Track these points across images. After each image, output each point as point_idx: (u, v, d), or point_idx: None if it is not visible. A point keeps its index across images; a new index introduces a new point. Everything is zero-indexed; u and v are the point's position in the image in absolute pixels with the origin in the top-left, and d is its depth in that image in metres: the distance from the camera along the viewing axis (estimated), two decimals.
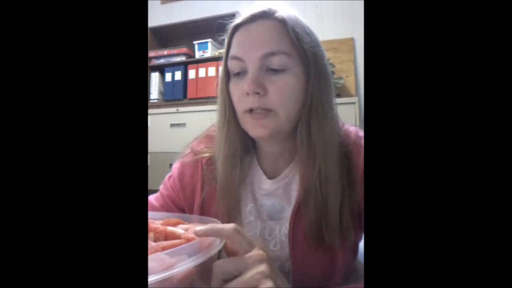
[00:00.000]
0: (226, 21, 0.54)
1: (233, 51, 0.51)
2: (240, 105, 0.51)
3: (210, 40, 2.06)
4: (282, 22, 0.50)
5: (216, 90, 0.57)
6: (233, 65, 0.51)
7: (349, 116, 1.58)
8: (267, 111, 0.49)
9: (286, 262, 0.54)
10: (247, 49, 0.50)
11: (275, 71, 0.49)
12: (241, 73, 0.51)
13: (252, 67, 0.49)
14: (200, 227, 0.36)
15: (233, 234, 0.35)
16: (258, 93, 0.48)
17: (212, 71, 1.99)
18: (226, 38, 0.54)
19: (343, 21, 2.00)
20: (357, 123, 1.60)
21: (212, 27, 2.09)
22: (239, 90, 0.50)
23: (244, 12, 0.52)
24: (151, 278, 0.27)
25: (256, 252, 0.35)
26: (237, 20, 0.52)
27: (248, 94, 0.48)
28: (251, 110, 0.49)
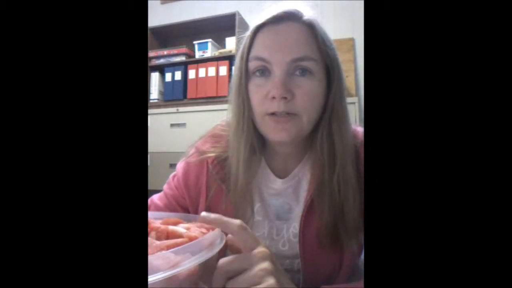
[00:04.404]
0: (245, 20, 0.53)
1: (257, 52, 0.50)
2: (262, 107, 0.50)
3: (210, 40, 2.06)
4: (310, 26, 0.49)
5: (227, 88, 0.57)
6: (256, 66, 0.50)
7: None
8: (291, 115, 0.48)
9: (295, 260, 0.55)
10: (275, 52, 0.48)
11: (302, 75, 0.48)
12: (264, 75, 0.50)
13: (279, 71, 0.48)
14: (207, 214, 0.36)
15: (239, 231, 0.36)
16: (285, 97, 0.47)
17: (212, 71, 1.98)
18: (247, 37, 0.52)
19: (343, 21, 2.00)
20: (357, 123, 1.60)
21: (212, 27, 2.11)
22: (261, 92, 0.49)
23: (266, 12, 0.50)
24: (159, 276, 0.27)
25: (259, 250, 0.35)
26: (260, 20, 0.51)
27: (274, 98, 0.47)
28: (272, 113, 0.49)
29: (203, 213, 0.36)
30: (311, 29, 0.49)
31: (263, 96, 0.49)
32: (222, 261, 0.35)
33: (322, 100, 0.51)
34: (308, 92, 0.48)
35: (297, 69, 0.48)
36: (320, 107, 0.51)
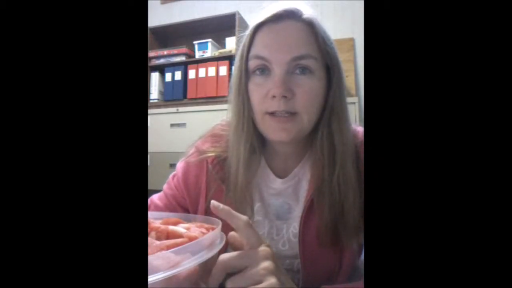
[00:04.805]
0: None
1: (257, 51, 0.50)
2: (262, 106, 0.49)
3: (210, 40, 2.06)
4: (310, 24, 0.49)
5: (227, 88, 0.56)
6: (256, 65, 0.50)
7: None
8: (291, 115, 0.48)
9: (295, 260, 0.55)
10: (275, 51, 0.48)
11: (302, 74, 0.48)
12: (264, 74, 0.49)
13: (279, 70, 0.48)
14: (217, 203, 0.37)
15: (245, 226, 0.36)
16: (285, 96, 0.47)
17: (212, 71, 1.98)
18: (247, 36, 0.52)
19: (343, 21, 2.00)
20: (357, 123, 1.59)
21: (212, 27, 2.11)
22: (261, 91, 0.49)
23: (266, 10, 0.50)
24: (159, 276, 0.27)
25: (262, 248, 0.35)
26: (260, 19, 0.50)
27: (274, 97, 0.47)
28: (272, 112, 0.48)
29: (213, 201, 0.37)
30: (311, 28, 0.49)
31: (263, 95, 0.49)
32: (224, 256, 0.35)
33: (322, 99, 0.51)
34: (308, 91, 0.48)
35: (297, 67, 0.48)
36: (320, 106, 0.51)
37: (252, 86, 0.51)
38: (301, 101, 0.48)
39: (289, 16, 0.49)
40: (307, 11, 0.50)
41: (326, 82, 0.51)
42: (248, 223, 0.36)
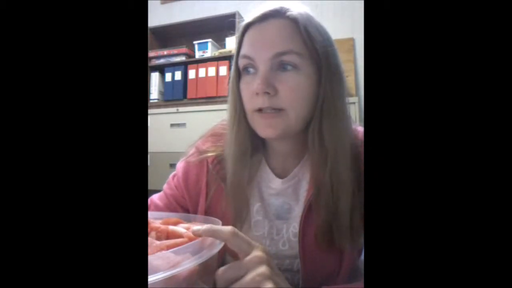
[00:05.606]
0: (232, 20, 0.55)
1: (244, 50, 0.51)
2: (250, 104, 0.50)
3: (210, 40, 2.06)
4: (294, 21, 0.49)
5: (227, 88, 0.57)
6: (244, 64, 0.51)
7: None
8: (277, 111, 0.48)
9: (295, 260, 0.55)
10: (258, 49, 0.49)
11: (286, 70, 0.48)
12: (251, 72, 0.51)
13: (263, 67, 0.48)
14: (198, 227, 0.36)
15: (231, 237, 0.35)
16: (268, 93, 0.47)
17: (212, 71, 1.98)
18: (237, 37, 0.53)
19: (343, 21, 2.00)
20: (357, 123, 1.59)
21: (212, 27, 2.11)
22: (249, 89, 0.50)
23: (255, 11, 0.51)
24: (159, 276, 0.27)
25: (255, 254, 0.35)
26: (248, 19, 0.51)
27: (258, 94, 0.48)
28: (260, 110, 0.49)
29: (194, 228, 0.35)
30: (296, 24, 0.49)
31: (251, 93, 0.50)
32: (220, 271, 0.34)
33: (313, 96, 0.50)
34: (293, 87, 0.48)
35: (281, 64, 0.48)
36: (311, 103, 0.50)
37: (242, 85, 0.52)
38: (286, 98, 0.48)
39: (274, 15, 0.50)
40: (295, 9, 0.50)
41: (317, 79, 0.50)
42: (234, 232, 0.35)
